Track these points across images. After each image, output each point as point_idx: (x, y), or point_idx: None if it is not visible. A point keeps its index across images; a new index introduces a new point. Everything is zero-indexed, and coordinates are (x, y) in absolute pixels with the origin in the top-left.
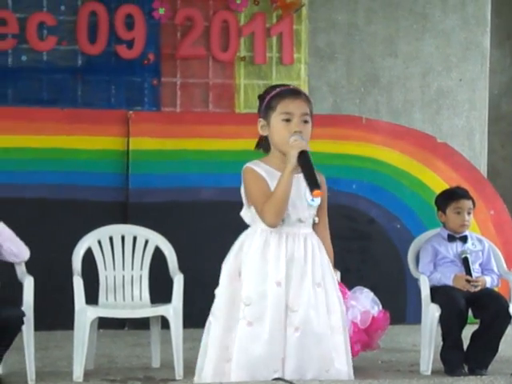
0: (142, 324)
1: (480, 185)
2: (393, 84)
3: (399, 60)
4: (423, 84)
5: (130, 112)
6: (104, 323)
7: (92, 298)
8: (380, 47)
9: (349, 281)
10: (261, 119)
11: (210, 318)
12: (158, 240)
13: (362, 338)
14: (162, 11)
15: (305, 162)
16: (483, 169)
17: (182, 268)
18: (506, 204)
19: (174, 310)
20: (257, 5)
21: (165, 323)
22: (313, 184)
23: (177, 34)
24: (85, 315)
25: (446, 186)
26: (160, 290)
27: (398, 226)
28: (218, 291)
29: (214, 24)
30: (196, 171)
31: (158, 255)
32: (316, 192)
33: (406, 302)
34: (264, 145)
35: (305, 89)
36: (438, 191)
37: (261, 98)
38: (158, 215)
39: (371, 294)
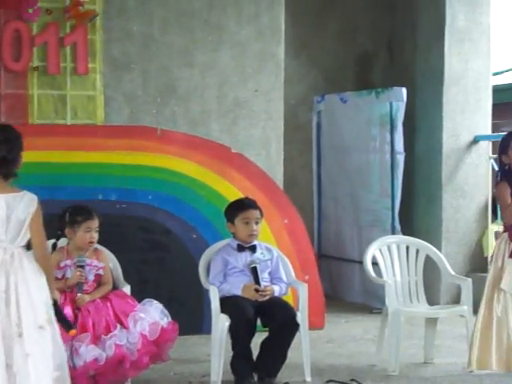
0: None
1: (274, 194)
2: (190, 94)
3: (196, 70)
4: (220, 94)
5: None
6: None
7: None
8: (176, 57)
9: (146, 293)
10: None
11: None
12: None
13: (152, 350)
14: None
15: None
16: (280, 178)
17: None
18: (305, 211)
19: None
20: (49, 14)
21: None
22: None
23: None
24: None
25: (241, 196)
26: None
27: (195, 237)
28: None
29: (5, 34)
30: None
31: None
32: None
33: (203, 312)
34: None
35: (101, 99)
36: None
37: None
38: None
39: (160, 306)
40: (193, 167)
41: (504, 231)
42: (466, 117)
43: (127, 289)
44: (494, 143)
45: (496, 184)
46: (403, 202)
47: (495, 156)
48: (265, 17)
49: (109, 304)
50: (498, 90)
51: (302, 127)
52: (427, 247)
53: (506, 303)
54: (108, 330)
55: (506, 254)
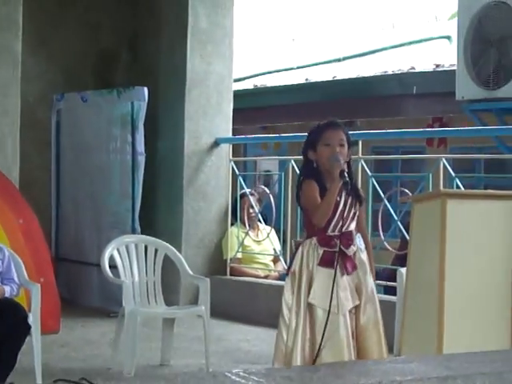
0: None
1: (9, 193)
2: None
3: None
4: None
5: None
6: None
7: None
8: None
9: None
10: None
11: None
12: None
13: None
14: None
15: None
16: (16, 177)
17: None
18: (42, 212)
19: None
20: None
21: None
22: None
23: None
24: None
25: None
26: None
27: None
28: None
29: None
30: None
31: None
32: None
33: None
34: None
35: None
36: None
37: None
38: None
39: None
40: None
41: (308, 237)
42: (207, 119)
43: None
44: (234, 146)
45: (299, 184)
46: (145, 204)
47: (236, 159)
48: (1, 9)
49: None
50: (238, 96)
51: (41, 126)
52: (166, 247)
53: (314, 318)
54: None
55: (315, 262)
